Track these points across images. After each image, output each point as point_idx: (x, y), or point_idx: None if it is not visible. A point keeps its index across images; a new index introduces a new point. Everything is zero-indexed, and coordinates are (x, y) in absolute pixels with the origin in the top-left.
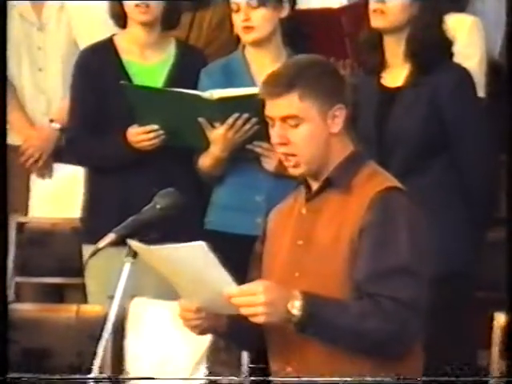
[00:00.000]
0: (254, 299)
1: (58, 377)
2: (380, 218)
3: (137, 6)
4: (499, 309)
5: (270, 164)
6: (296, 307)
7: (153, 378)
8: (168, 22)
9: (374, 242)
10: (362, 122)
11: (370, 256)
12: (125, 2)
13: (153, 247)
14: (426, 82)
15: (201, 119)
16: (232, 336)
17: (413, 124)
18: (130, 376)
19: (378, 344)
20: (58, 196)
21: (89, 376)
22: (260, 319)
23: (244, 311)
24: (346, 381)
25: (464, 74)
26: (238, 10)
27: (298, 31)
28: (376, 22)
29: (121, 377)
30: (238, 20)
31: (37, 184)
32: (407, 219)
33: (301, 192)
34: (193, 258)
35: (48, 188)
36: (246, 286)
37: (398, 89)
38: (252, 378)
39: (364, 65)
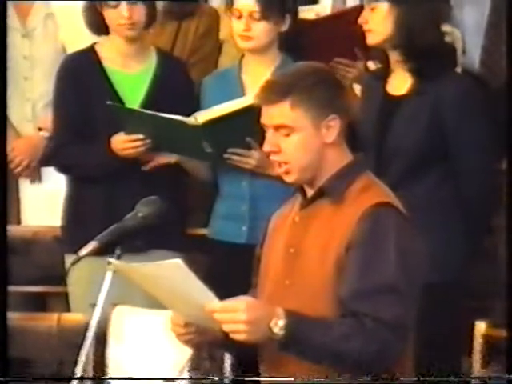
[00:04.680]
0: (235, 316)
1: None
2: (368, 235)
3: (120, 24)
4: (481, 317)
5: (249, 164)
6: (279, 326)
7: (135, 379)
8: (146, 22)
9: (361, 260)
10: (363, 128)
11: (356, 274)
12: (107, 18)
13: (131, 265)
14: (429, 91)
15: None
16: (229, 346)
17: (414, 133)
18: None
19: (359, 364)
20: (44, 204)
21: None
22: (241, 337)
23: (225, 328)
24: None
25: (467, 84)
26: (239, 17)
27: (297, 38)
28: (368, 40)
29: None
30: (237, 27)
31: (24, 192)
32: (396, 237)
33: (298, 198)
34: (171, 276)
35: (34, 196)
36: (228, 303)
37: (400, 97)
38: (236, 378)
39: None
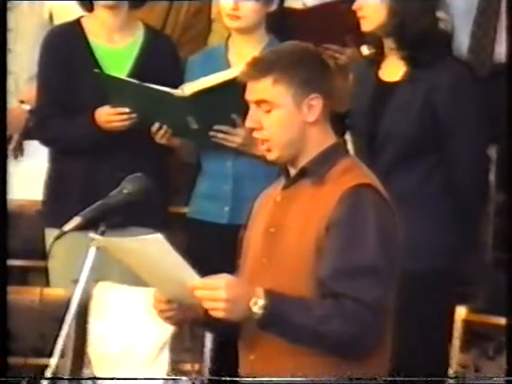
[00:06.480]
0: (215, 294)
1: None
2: (348, 216)
3: None
4: (463, 302)
5: (234, 142)
6: (258, 305)
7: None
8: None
9: (341, 240)
10: (355, 113)
11: (336, 254)
12: None
13: (112, 239)
14: (422, 78)
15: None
16: (210, 325)
17: (406, 120)
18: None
19: (338, 345)
20: (26, 178)
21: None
22: (220, 314)
23: (205, 305)
24: (313, 380)
25: (461, 72)
26: None
27: (284, 20)
28: (363, 26)
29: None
30: (225, 5)
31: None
32: (376, 218)
33: (283, 179)
34: (152, 251)
35: (16, 170)
36: (208, 280)
37: (393, 84)
38: (214, 378)
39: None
